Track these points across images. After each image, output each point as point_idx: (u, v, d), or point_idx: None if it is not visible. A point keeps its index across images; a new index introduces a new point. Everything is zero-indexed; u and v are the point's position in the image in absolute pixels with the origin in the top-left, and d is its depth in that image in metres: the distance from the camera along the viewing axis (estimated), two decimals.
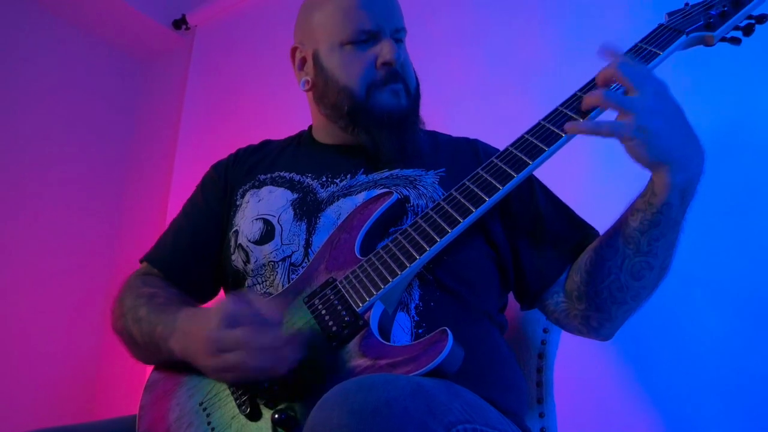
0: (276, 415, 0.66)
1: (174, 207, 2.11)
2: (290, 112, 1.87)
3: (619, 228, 0.77)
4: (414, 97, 0.93)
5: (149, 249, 0.99)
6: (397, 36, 0.91)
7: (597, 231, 0.87)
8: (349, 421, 0.49)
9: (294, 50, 0.98)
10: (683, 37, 0.77)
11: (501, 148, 0.79)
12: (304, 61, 0.96)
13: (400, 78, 0.90)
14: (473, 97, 1.61)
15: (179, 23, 2.38)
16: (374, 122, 0.89)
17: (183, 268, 0.94)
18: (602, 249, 0.78)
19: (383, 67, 0.88)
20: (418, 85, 0.95)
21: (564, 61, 1.48)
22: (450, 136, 1.02)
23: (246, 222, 0.89)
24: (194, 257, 0.94)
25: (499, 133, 0.99)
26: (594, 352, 1.25)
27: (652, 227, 0.73)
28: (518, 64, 1.57)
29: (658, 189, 0.71)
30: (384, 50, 0.88)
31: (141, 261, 0.98)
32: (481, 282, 0.85)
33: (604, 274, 0.77)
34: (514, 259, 0.87)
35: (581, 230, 0.88)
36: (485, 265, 0.86)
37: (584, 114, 0.73)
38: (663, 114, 0.68)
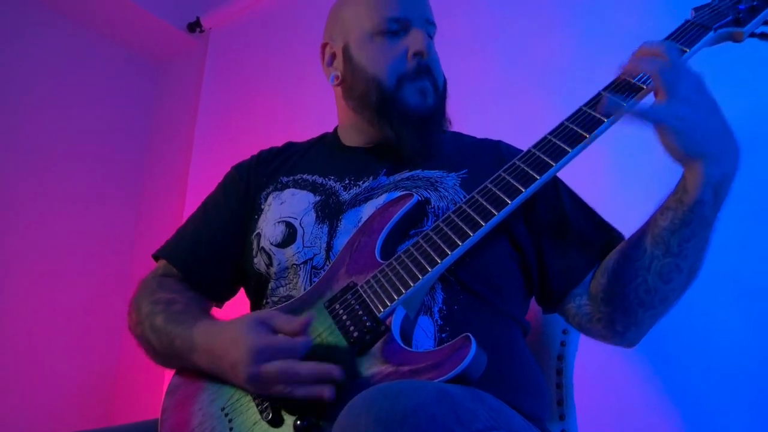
0: (298, 422, 0.65)
1: (190, 208, 2.11)
2: (305, 113, 1.88)
3: (647, 228, 0.75)
4: (441, 96, 0.92)
5: (165, 245, 0.97)
6: (428, 29, 0.91)
7: (622, 234, 0.86)
8: (376, 429, 0.48)
9: (324, 47, 0.98)
10: (711, 33, 0.75)
11: (521, 147, 0.77)
12: (333, 56, 0.96)
13: (430, 73, 0.89)
14: (491, 97, 1.60)
15: (194, 26, 2.40)
16: (400, 117, 0.88)
17: (203, 268, 0.93)
18: (629, 250, 0.76)
19: (414, 58, 0.88)
20: (445, 82, 0.94)
21: (583, 60, 1.47)
22: (474, 137, 1.01)
23: (268, 225, 0.89)
24: (215, 258, 0.94)
25: (518, 132, 0.98)
26: (614, 354, 1.22)
27: (683, 226, 0.70)
28: (537, 64, 1.56)
29: (691, 185, 0.69)
30: (415, 40, 0.87)
31: (157, 257, 0.96)
32: (505, 284, 0.84)
33: (632, 275, 0.75)
34: (538, 260, 0.86)
35: (607, 233, 0.86)
36: (509, 267, 0.85)
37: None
38: (700, 106, 0.67)
